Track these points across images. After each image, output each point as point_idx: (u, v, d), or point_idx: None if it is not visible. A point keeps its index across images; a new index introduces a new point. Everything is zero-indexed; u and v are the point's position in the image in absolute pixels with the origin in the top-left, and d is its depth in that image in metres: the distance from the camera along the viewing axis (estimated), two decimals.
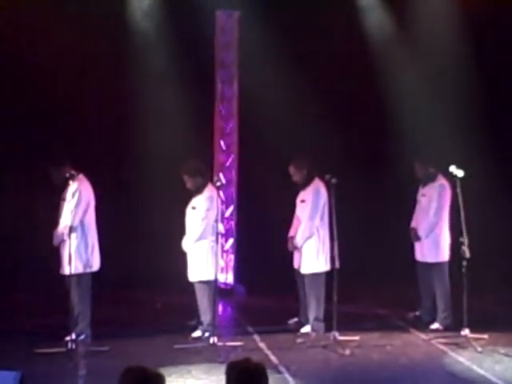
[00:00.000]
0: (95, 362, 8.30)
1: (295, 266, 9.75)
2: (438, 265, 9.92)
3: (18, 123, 11.75)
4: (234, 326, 10.46)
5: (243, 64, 12.16)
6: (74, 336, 8.71)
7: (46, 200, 9.65)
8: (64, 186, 9.04)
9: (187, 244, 9.24)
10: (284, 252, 9.87)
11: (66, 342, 8.59)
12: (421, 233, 9.99)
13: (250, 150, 12.16)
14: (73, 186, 9.01)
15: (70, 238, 8.78)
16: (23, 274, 11.32)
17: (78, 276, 8.94)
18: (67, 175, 8.94)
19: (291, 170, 9.71)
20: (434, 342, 9.27)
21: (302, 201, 9.68)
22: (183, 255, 9.27)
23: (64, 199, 9.03)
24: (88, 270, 9.08)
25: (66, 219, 8.95)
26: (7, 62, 11.55)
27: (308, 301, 9.58)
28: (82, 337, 8.92)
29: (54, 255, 9.13)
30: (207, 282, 9.11)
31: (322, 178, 9.46)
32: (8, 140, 11.61)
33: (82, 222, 9.05)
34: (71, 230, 8.82)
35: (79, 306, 8.96)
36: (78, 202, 8.98)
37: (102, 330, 9.13)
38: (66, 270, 8.81)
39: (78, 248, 8.98)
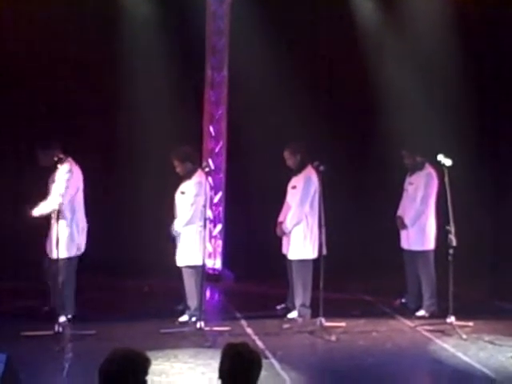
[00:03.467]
0: (82, 346, 8.30)
1: (283, 251, 9.79)
2: (424, 253, 9.96)
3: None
4: (221, 311, 10.49)
5: (234, 50, 12.14)
6: (60, 319, 8.75)
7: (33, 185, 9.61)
8: (52, 170, 9.04)
9: (175, 228, 9.26)
10: (272, 238, 9.90)
11: (53, 325, 8.59)
12: (407, 221, 10.03)
13: (240, 136, 12.14)
14: (65, 166, 9.00)
15: (58, 221, 8.77)
16: (9, 256, 11.31)
17: (65, 259, 8.95)
18: (56, 159, 8.92)
19: (286, 154, 9.72)
20: (419, 328, 9.32)
21: (293, 187, 9.70)
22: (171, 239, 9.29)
23: (53, 181, 9.02)
24: (74, 254, 9.10)
25: (54, 197, 8.94)
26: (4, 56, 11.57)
27: (295, 287, 9.63)
28: (65, 318, 8.93)
29: (41, 238, 9.14)
30: (195, 267, 9.12)
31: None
32: None
33: (72, 206, 9.06)
34: (59, 213, 8.81)
35: (65, 288, 8.97)
36: (68, 179, 8.98)
37: (89, 313, 9.16)
38: (54, 253, 8.80)
39: (67, 231, 8.99)
